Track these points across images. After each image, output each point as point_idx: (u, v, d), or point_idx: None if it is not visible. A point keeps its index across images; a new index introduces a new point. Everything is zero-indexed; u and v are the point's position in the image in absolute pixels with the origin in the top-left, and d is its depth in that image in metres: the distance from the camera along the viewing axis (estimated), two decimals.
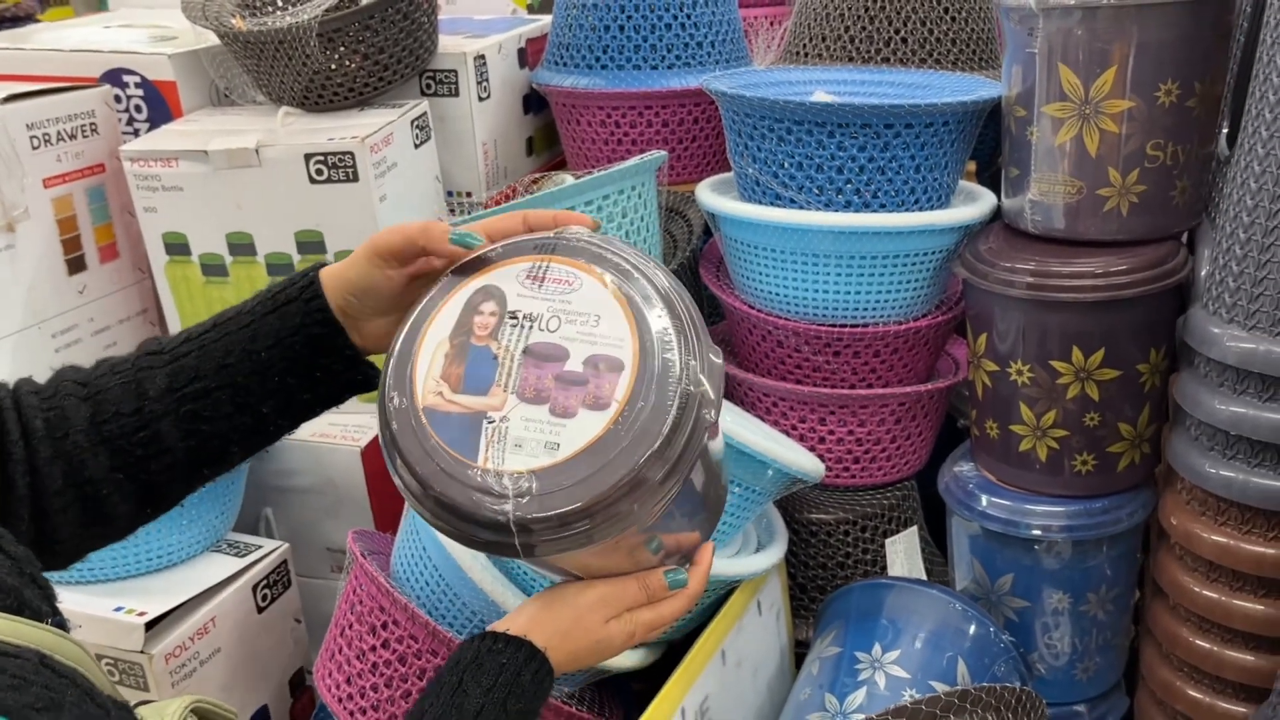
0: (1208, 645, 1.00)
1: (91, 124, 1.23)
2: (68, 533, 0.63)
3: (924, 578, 1.19)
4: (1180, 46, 0.95)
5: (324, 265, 0.68)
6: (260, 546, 1.13)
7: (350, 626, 0.98)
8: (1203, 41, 0.95)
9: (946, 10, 1.26)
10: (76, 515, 0.63)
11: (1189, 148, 0.98)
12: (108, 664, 1.00)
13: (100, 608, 1.00)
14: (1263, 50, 0.87)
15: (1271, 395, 0.91)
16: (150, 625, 0.99)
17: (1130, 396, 1.03)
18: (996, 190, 1.12)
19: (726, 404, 1.18)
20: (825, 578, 1.19)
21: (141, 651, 0.98)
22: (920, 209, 1.10)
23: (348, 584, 1.01)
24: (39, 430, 0.61)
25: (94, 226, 1.25)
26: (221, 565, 1.09)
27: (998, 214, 1.12)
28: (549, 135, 1.52)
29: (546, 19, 1.48)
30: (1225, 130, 1.01)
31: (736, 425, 0.96)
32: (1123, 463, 1.06)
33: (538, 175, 1.36)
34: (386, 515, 1.19)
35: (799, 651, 1.16)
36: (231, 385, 0.64)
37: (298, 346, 0.65)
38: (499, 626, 0.65)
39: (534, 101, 1.48)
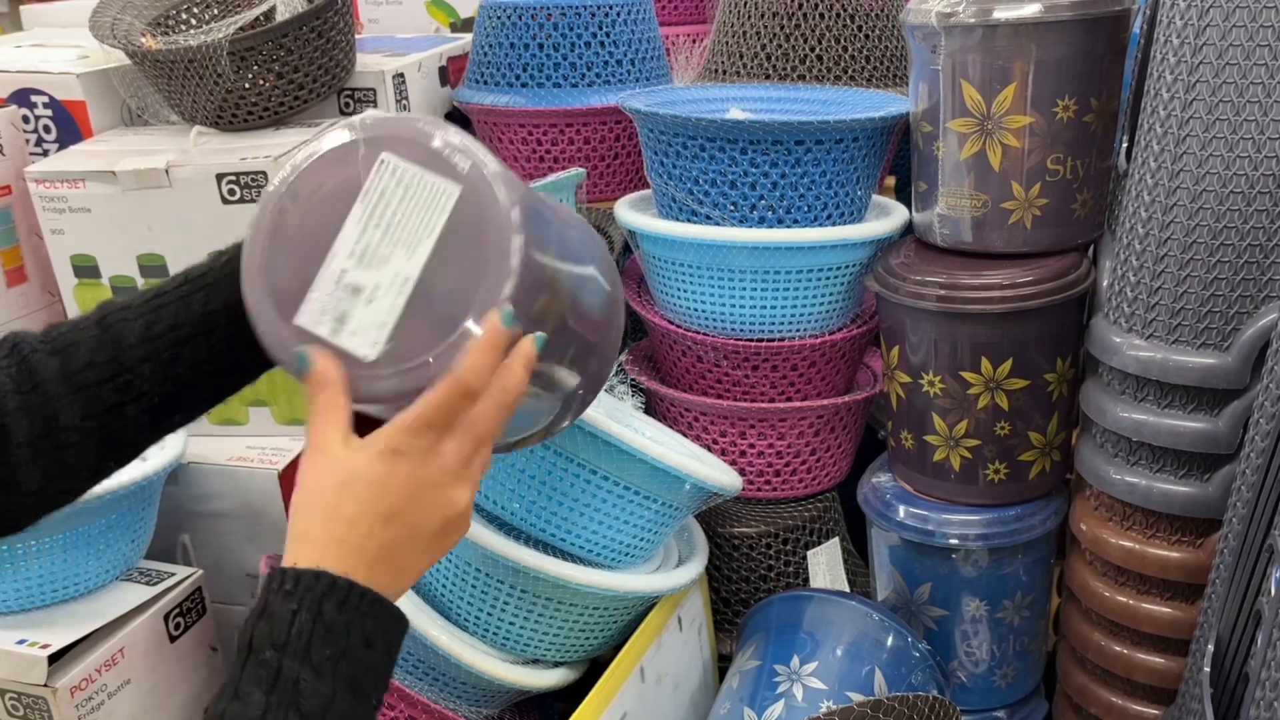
0: (1119, 648, 1.02)
1: None
2: (32, 486, 0.62)
3: (846, 589, 1.20)
4: (1077, 63, 0.97)
5: None
6: (173, 574, 1.10)
7: None
8: (1099, 59, 0.98)
9: (860, 29, 1.28)
10: (41, 469, 0.62)
11: (1088, 162, 1.01)
12: (10, 699, 0.97)
13: (1, 640, 0.97)
14: (1153, 67, 0.90)
15: (1169, 402, 0.93)
16: (54, 658, 0.96)
17: (1039, 405, 1.05)
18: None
19: (646, 419, 1.18)
20: (748, 591, 1.19)
21: (45, 685, 0.95)
22: (833, 224, 1.11)
23: None
24: (4, 385, 0.61)
25: (0, 250, 1.22)
26: (131, 594, 1.06)
27: (910, 228, 1.13)
28: None
29: (468, 37, 1.48)
30: (1125, 145, 1.04)
31: (654, 441, 0.97)
32: (1034, 470, 1.08)
33: None
34: None
35: (722, 665, 1.16)
36: (210, 332, 0.64)
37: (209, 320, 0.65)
38: (287, 559, 0.55)
39: (456, 120, 1.47)
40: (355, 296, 0.59)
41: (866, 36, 1.28)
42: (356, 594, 0.54)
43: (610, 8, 1.32)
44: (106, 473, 0.66)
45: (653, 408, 1.22)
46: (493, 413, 0.59)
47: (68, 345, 0.63)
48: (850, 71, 1.29)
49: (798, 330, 1.13)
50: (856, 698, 0.97)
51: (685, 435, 1.18)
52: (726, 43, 1.33)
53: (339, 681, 0.53)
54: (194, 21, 1.33)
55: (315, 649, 0.52)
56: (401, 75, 1.34)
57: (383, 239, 0.59)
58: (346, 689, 0.53)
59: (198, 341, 0.64)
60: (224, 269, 0.66)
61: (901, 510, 1.11)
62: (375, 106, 1.32)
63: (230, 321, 0.64)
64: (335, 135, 0.61)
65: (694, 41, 1.42)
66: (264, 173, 1.12)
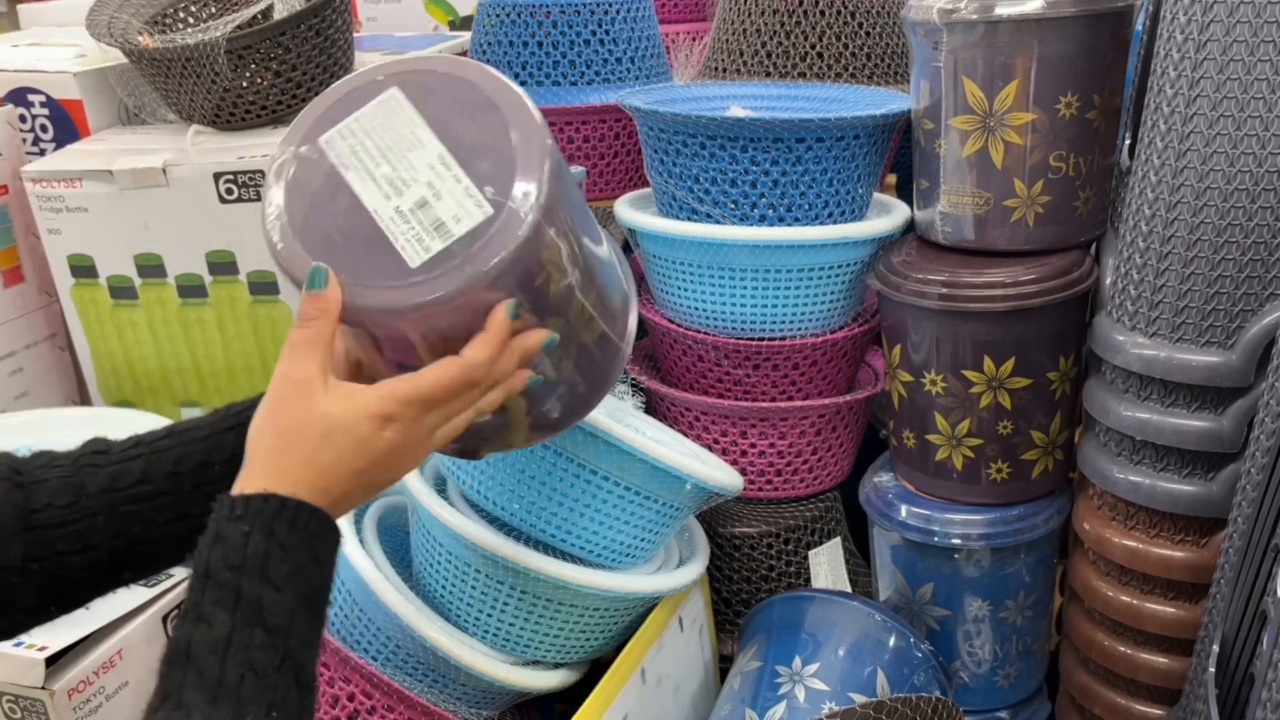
0: (1122, 648, 1.01)
1: None
2: None
3: (848, 589, 1.20)
4: (1079, 60, 0.96)
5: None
6: (171, 575, 1.09)
7: None
8: (1101, 55, 0.97)
9: (861, 25, 1.27)
10: None
11: (1091, 159, 1.00)
12: (8, 701, 0.97)
13: None
14: (1157, 63, 0.89)
15: (1173, 401, 0.92)
16: (52, 660, 0.96)
17: (1042, 404, 1.04)
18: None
19: (647, 418, 1.18)
20: (749, 591, 1.18)
21: (42, 687, 0.95)
22: (834, 222, 1.10)
23: None
24: None
25: None
26: (130, 595, 1.05)
27: (912, 226, 1.13)
28: None
29: (467, 36, 1.47)
30: (1128, 142, 1.03)
31: (654, 440, 0.96)
32: (1037, 470, 1.07)
33: None
34: None
35: (724, 666, 1.15)
36: (175, 493, 0.63)
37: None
38: (238, 487, 0.57)
39: None
40: (425, 207, 0.60)
41: (867, 33, 1.28)
42: (305, 513, 0.56)
43: (609, 5, 1.31)
44: (47, 617, 0.64)
45: (653, 407, 1.22)
46: (480, 403, 0.60)
47: (36, 481, 0.62)
48: (851, 69, 1.28)
49: (799, 329, 1.13)
50: (859, 699, 0.97)
51: (686, 435, 1.18)
52: (726, 40, 1.33)
53: (297, 597, 0.54)
54: (191, 20, 1.32)
55: (273, 567, 0.54)
56: None
57: (392, 165, 0.61)
58: (303, 604, 0.55)
59: (160, 501, 0.62)
60: (204, 429, 0.64)
61: (903, 510, 1.10)
62: None
63: (196, 486, 0.63)
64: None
65: (694, 39, 1.42)
66: (262, 172, 1.11)
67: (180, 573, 1.11)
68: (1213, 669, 0.76)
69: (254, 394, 0.64)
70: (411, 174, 0.60)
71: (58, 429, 1.11)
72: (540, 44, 1.32)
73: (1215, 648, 0.77)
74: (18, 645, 0.97)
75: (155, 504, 0.62)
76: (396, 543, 1.09)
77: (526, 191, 0.60)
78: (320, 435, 0.57)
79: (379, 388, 0.58)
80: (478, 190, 0.60)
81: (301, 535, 0.55)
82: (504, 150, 0.60)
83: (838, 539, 1.22)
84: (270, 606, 0.53)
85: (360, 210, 0.61)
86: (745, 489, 1.10)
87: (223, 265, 1.16)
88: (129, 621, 1.04)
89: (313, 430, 0.57)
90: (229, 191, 1.13)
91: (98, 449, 0.64)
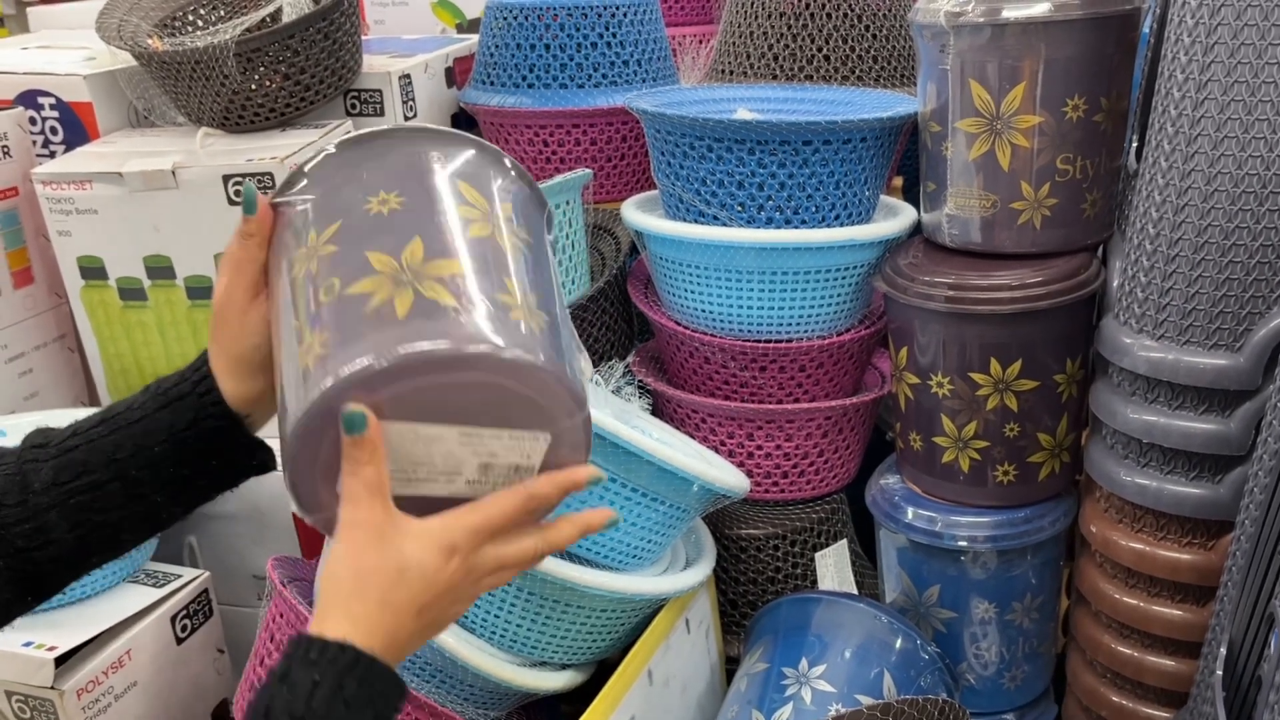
0: (1128, 651, 1.01)
1: (4, 147, 1.21)
2: None
3: (854, 591, 1.20)
4: (1086, 62, 0.97)
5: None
6: (180, 576, 1.10)
7: (269, 656, 0.96)
8: (1108, 58, 0.97)
9: (868, 28, 1.28)
10: None
11: (1098, 161, 1.00)
12: (18, 701, 0.97)
13: (8, 643, 0.96)
14: (1164, 66, 0.89)
15: (1180, 404, 0.92)
16: (61, 660, 0.96)
17: (1048, 406, 1.04)
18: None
19: (653, 420, 1.18)
20: (755, 593, 1.19)
21: (52, 688, 0.95)
22: (841, 224, 1.11)
23: (267, 612, 0.99)
24: None
25: (7, 251, 1.22)
26: (138, 596, 1.06)
27: (919, 228, 1.13)
28: None
29: (474, 38, 1.48)
30: (1135, 144, 1.04)
31: (661, 442, 0.96)
32: (1043, 472, 1.07)
33: None
34: (314, 541, 1.17)
35: (730, 668, 1.16)
36: (122, 478, 0.62)
37: (191, 440, 0.63)
38: (315, 627, 0.56)
39: (463, 121, 1.47)
40: (489, 468, 0.59)
41: (874, 36, 1.28)
42: (376, 671, 0.55)
43: (617, 8, 1.32)
44: (25, 608, 0.64)
45: (660, 409, 1.22)
46: (530, 553, 0.60)
47: None
48: (858, 71, 1.28)
49: (805, 331, 1.13)
50: (865, 700, 0.97)
51: (693, 437, 1.18)
52: (733, 43, 1.33)
53: None
54: (200, 23, 1.33)
55: None
56: (408, 76, 1.34)
57: (429, 465, 0.58)
58: None
59: (109, 489, 0.62)
60: (136, 412, 0.63)
61: (910, 512, 1.10)
62: (381, 108, 1.32)
63: (143, 469, 0.62)
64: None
65: (701, 42, 1.42)
66: (270, 174, 1.12)
67: (187, 573, 1.12)
68: (1220, 672, 0.76)
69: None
70: (453, 461, 0.58)
71: None
72: (548, 47, 1.32)
73: (1222, 650, 0.77)
74: (27, 645, 0.97)
75: (104, 492, 0.62)
76: None
77: (574, 420, 0.58)
78: (396, 572, 0.56)
79: (443, 518, 0.58)
80: (521, 434, 0.57)
81: (367, 693, 0.54)
82: (525, 404, 0.57)
83: (844, 541, 1.22)
84: None
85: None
86: (752, 491, 1.10)
87: None
88: (138, 622, 1.04)
89: (389, 568, 0.56)
90: (238, 194, 1.13)
91: (37, 443, 0.63)
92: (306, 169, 0.61)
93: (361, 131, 0.62)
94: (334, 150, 0.61)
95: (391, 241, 0.56)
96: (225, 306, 0.62)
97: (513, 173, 0.64)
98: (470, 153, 0.62)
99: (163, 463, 0.62)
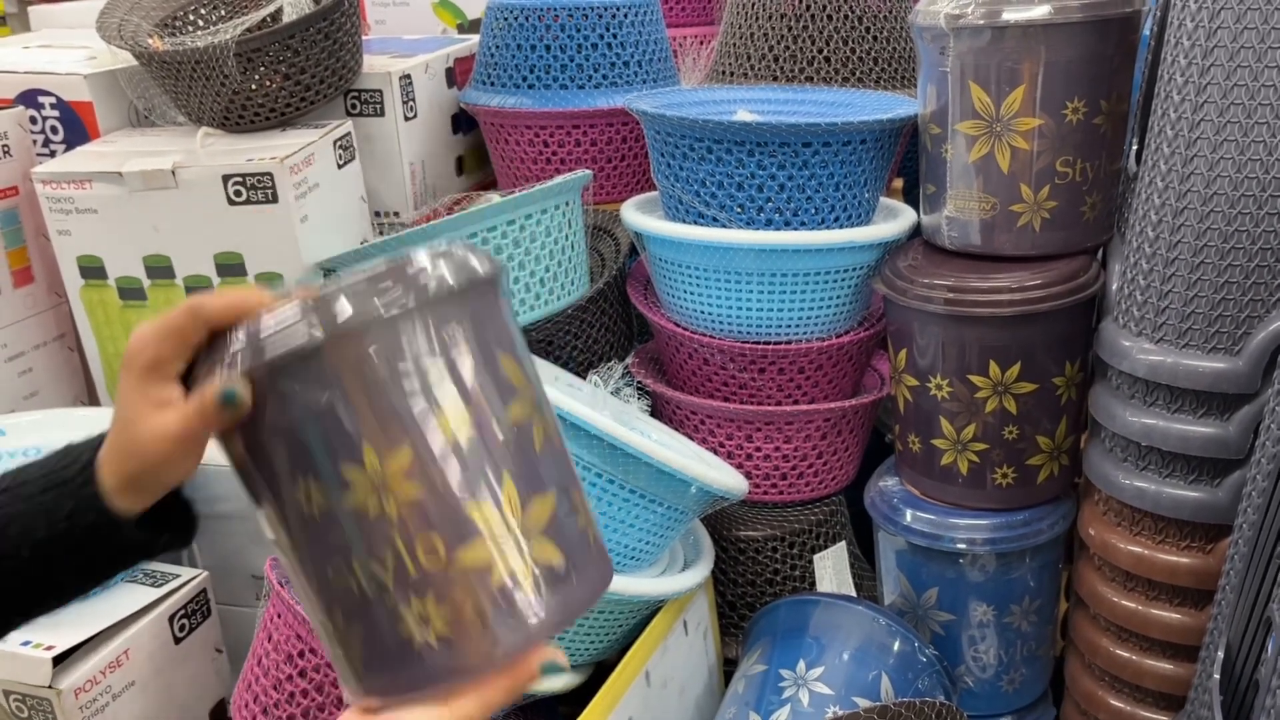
0: (1127, 654, 1.01)
1: (4, 146, 1.21)
2: None
3: (853, 593, 1.20)
4: (1086, 65, 0.96)
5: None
6: (178, 575, 1.10)
7: (267, 655, 0.96)
8: (1108, 60, 0.97)
9: (869, 30, 1.28)
10: None
11: (1097, 164, 1.00)
12: (15, 701, 0.97)
13: (6, 642, 0.96)
14: (1164, 69, 0.89)
15: (1179, 407, 0.92)
16: (59, 660, 0.96)
17: (1047, 409, 1.04)
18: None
19: (652, 421, 1.18)
20: (754, 595, 1.19)
21: (49, 687, 0.95)
22: (841, 226, 1.11)
23: (265, 612, 0.99)
24: None
25: (7, 251, 1.22)
26: (136, 595, 1.06)
27: (918, 231, 1.13)
28: (480, 155, 1.52)
29: (475, 39, 1.48)
30: (1134, 147, 1.04)
31: (659, 444, 0.96)
32: (1042, 475, 1.07)
33: (460, 196, 1.36)
34: None
35: (728, 670, 1.16)
36: (14, 558, 0.56)
37: (75, 533, 0.56)
38: None
39: (463, 121, 1.47)
40: None
41: (874, 38, 1.28)
42: None
43: (617, 9, 1.32)
44: None
45: (658, 410, 1.22)
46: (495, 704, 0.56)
47: None
48: (858, 73, 1.28)
49: (805, 333, 1.13)
50: (863, 703, 0.97)
51: (691, 438, 1.18)
52: (734, 44, 1.33)
53: None
54: (201, 23, 1.33)
55: None
56: (408, 76, 1.34)
57: None
58: None
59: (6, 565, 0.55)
60: (24, 488, 0.56)
61: (909, 514, 1.10)
62: (381, 108, 1.32)
63: (33, 558, 0.56)
64: None
65: (701, 43, 1.42)
66: (270, 174, 1.12)
67: (186, 573, 1.12)
68: (1218, 675, 0.76)
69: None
70: None
71: (66, 429, 1.12)
72: (548, 47, 1.32)
73: (1220, 654, 0.77)
74: (25, 645, 0.97)
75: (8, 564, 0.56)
76: None
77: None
78: None
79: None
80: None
81: None
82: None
83: (843, 543, 1.22)
84: None
85: None
86: (750, 493, 1.10)
87: (231, 267, 1.17)
88: (136, 621, 1.04)
89: None
90: (237, 194, 1.13)
91: None
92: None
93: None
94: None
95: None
96: (133, 421, 0.53)
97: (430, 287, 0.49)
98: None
99: (51, 551, 0.56)
